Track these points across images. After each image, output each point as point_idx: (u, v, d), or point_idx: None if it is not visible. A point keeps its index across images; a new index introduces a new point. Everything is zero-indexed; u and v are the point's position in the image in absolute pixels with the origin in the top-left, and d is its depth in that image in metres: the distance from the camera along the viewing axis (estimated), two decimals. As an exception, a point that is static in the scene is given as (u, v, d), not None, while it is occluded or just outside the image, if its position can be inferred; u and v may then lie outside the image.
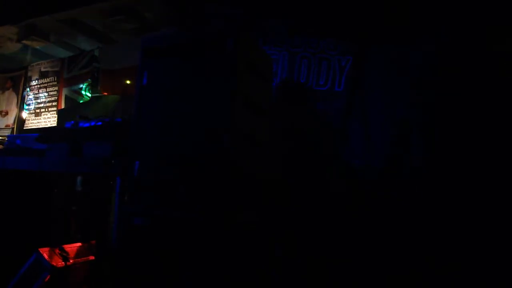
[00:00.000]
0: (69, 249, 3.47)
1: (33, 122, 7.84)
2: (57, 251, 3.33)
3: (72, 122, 3.24)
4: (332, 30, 5.58)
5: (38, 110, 7.88)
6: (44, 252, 3.24)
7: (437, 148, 4.64)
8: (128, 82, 7.30)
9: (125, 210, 2.75)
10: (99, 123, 3.08)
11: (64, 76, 7.67)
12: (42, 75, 7.98)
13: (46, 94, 7.85)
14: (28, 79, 8.18)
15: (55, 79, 7.76)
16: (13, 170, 3.54)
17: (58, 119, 7.52)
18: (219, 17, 6.02)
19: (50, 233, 3.69)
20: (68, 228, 3.92)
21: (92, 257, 3.58)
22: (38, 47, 7.63)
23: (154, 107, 2.75)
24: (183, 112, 2.69)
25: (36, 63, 8.02)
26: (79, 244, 3.60)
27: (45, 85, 7.90)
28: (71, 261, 3.36)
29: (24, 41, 7.40)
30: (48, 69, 7.90)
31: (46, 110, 7.77)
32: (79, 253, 3.55)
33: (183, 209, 2.57)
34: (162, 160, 2.66)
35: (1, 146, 5.40)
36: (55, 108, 7.68)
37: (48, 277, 3.11)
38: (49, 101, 7.78)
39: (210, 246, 2.54)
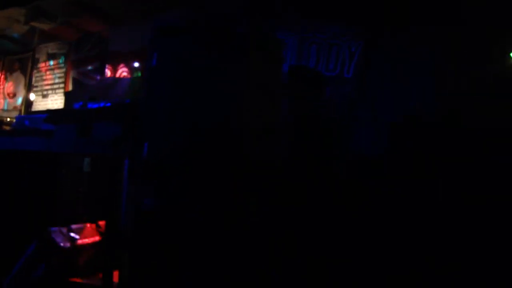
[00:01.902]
0: (76, 229, 3.48)
1: (40, 104, 7.84)
2: (65, 231, 3.33)
3: (81, 103, 3.22)
4: (343, 15, 5.50)
5: (45, 92, 7.87)
6: (52, 232, 3.25)
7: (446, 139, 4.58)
8: (136, 64, 7.27)
9: (133, 192, 2.74)
10: (108, 104, 3.07)
11: (71, 58, 7.63)
12: (50, 56, 7.95)
13: (53, 76, 7.83)
14: (35, 61, 8.15)
15: (63, 61, 7.73)
16: (21, 151, 3.54)
17: (65, 101, 7.50)
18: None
19: (58, 213, 3.69)
20: (76, 208, 3.92)
21: (99, 238, 3.59)
22: (46, 28, 7.59)
23: (164, 88, 2.74)
24: (194, 93, 2.67)
25: (43, 44, 7.98)
26: (86, 224, 3.61)
27: (53, 67, 7.88)
28: (78, 241, 3.36)
29: (32, 23, 7.37)
30: (56, 51, 7.88)
31: (54, 92, 7.76)
32: (87, 233, 3.55)
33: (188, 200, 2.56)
34: (171, 143, 2.65)
35: (8, 127, 5.42)
36: (62, 90, 7.67)
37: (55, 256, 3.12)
38: (56, 83, 7.77)
39: (211, 240, 2.53)
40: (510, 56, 4.85)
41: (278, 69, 3.08)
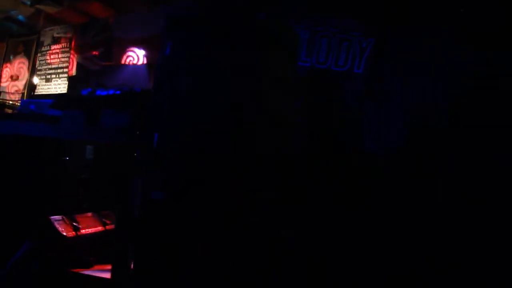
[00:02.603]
0: (80, 219, 3.41)
1: (43, 88, 7.75)
2: (68, 220, 3.26)
3: (89, 89, 3.14)
4: (355, 10, 5.42)
5: (49, 76, 7.78)
6: (55, 221, 3.18)
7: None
8: (141, 52, 7.19)
9: (142, 183, 2.67)
10: (118, 92, 2.99)
11: (76, 42, 7.53)
12: (55, 40, 7.85)
13: (57, 60, 7.74)
14: (40, 44, 8.05)
15: (67, 46, 7.64)
16: (24, 135, 3.46)
17: (69, 86, 7.43)
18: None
19: (59, 201, 3.61)
20: (79, 197, 3.84)
21: (102, 228, 3.52)
22: (51, 12, 7.49)
23: (176, 79, 2.65)
24: (208, 85, 2.59)
25: (49, 28, 7.88)
26: (89, 214, 3.54)
27: (57, 51, 7.78)
28: (82, 231, 3.29)
29: (37, 6, 7.27)
30: (61, 35, 7.77)
31: (57, 76, 7.67)
32: (90, 223, 3.48)
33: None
34: (182, 135, 2.58)
35: (11, 110, 5.33)
36: (66, 75, 7.58)
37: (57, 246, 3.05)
38: (60, 67, 7.67)
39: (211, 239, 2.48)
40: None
41: (294, 63, 3.01)
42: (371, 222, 3.75)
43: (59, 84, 7.60)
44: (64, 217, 3.29)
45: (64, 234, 3.16)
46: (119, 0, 6.99)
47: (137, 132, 2.74)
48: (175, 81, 2.65)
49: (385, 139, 4.88)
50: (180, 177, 2.48)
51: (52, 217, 3.24)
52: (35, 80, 7.72)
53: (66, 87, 7.42)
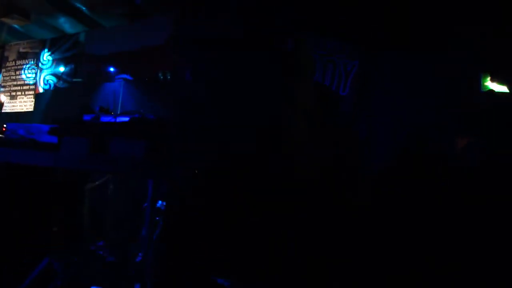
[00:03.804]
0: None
1: (7, 106, 7.35)
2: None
3: (93, 115, 2.94)
4: (340, 32, 5.44)
5: (14, 93, 7.38)
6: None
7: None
8: (112, 69, 6.96)
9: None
10: (127, 118, 2.81)
11: (44, 58, 7.20)
12: (21, 56, 7.48)
13: (23, 76, 7.36)
14: (4, 59, 7.64)
15: (34, 61, 7.29)
16: (13, 164, 3.21)
17: (35, 103, 7.09)
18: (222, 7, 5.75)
19: (56, 234, 3.37)
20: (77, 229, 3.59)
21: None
22: (17, 25, 7.15)
23: (198, 104, 2.52)
24: (231, 111, 2.47)
25: (14, 43, 7.50)
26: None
27: (23, 66, 7.40)
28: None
29: (2, 19, 6.92)
30: (28, 50, 7.42)
31: (23, 93, 7.30)
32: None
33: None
34: (206, 163, 2.44)
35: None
36: (32, 92, 7.22)
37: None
38: (26, 84, 7.30)
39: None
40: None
41: (311, 86, 2.94)
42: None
43: (25, 101, 7.23)
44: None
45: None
46: (91, 16, 6.73)
47: (152, 161, 2.58)
48: (196, 107, 2.52)
49: (374, 159, 4.88)
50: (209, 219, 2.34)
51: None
52: (3, 98, 7.33)
53: (33, 105, 7.06)
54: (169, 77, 6.56)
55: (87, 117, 3.06)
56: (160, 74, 6.55)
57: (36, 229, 3.20)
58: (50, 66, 7.11)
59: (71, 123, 2.99)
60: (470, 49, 5.06)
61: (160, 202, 3.03)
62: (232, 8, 2.96)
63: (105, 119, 2.98)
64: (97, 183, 3.52)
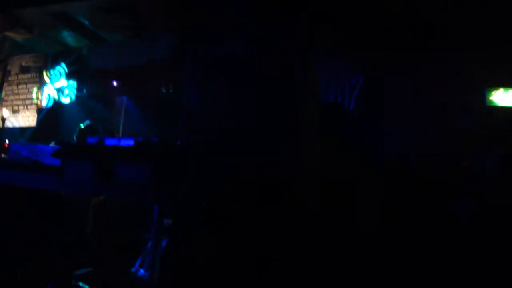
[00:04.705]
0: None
1: (10, 120, 7.31)
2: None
3: (97, 138, 2.91)
4: (344, 47, 5.42)
5: (16, 107, 7.35)
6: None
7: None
8: (115, 83, 6.94)
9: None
10: (131, 142, 2.77)
11: (47, 72, 7.17)
12: (23, 70, 7.45)
13: (26, 90, 7.33)
14: (6, 73, 7.61)
15: (37, 75, 7.26)
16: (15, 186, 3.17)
17: (38, 118, 7.06)
18: (223, 21, 5.72)
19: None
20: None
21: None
22: (20, 39, 7.13)
23: (206, 127, 2.48)
24: (240, 135, 2.44)
25: (17, 56, 7.47)
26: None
27: (26, 80, 7.38)
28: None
29: (5, 32, 6.90)
30: (30, 64, 7.39)
31: (25, 107, 7.27)
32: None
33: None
34: (214, 188, 2.41)
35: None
36: (35, 107, 7.19)
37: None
38: (28, 98, 7.27)
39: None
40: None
41: (318, 105, 2.91)
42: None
43: (27, 116, 7.20)
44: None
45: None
46: (94, 31, 6.71)
47: (157, 185, 2.54)
48: (204, 130, 2.48)
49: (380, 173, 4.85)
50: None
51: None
52: (5, 113, 7.28)
53: (36, 120, 7.03)
54: (171, 91, 6.54)
55: (91, 140, 3.02)
56: (163, 89, 6.54)
57: (38, 254, 3.16)
58: (53, 80, 7.08)
59: (75, 146, 2.96)
60: (475, 65, 5.06)
61: (165, 220, 2.99)
62: (236, 25, 2.93)
63: (110, 142, 2.94)
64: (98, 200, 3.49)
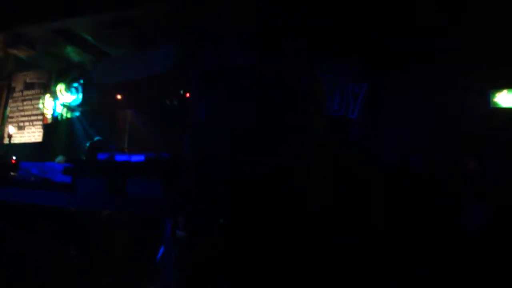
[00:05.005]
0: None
1: (15, 136, 7.35)
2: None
3: (107, 154, 2.93)
4: (347, 55, 5.44)
5: (21, 124, 7.40)
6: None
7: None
8: (119, 96, 6.98)
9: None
10: (142, 157, 2.80)
11: (51, 88, 7.22)
12: (27, 86, 7.50)
13: (31, 106, 7.38)
14: (11, 90, 7.66)
15: (41, 91, 7.31)
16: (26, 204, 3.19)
17: (44, 134, 7.09)
18: (226, 33, 5.77)
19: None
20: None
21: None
22: (23, 56, 7.19)
23: (215, 141, 2.50)
24: (249, 148, 2.45)
25: (21, 73, 7.53)
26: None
27: (30, 97, 7.43)
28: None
29: (9, 50, 6.96)
30: (34, 80, 7.44)
31: (31, 123, 7.31)
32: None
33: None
34: (224, 202, 2.42)
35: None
36: (40, 122, 7.23)
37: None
38: (34, 114, 7.32)
39: None
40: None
41: (323, 113, 2.93)
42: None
43: (33, 132, 7.24)
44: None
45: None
46: (97, 46, 6.76)
47: (169, 200, 2.56)
48: (212, 145, 2.50)
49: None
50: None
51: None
52: (11, 129, 7.31)
53: (41, 136, 7.07)
54: (175, 103, 6.57)
55: (101, 156, 3.04)
56: (167, 101, 6.57)
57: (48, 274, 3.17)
58: (58, 96, 7.12)
59: (86, 163, 2.99)
60: (479, 67, 5.08)
61: (178, 232, 3.00)
62: (242, 39, 2.96)
63: (120, 158, 2.97)
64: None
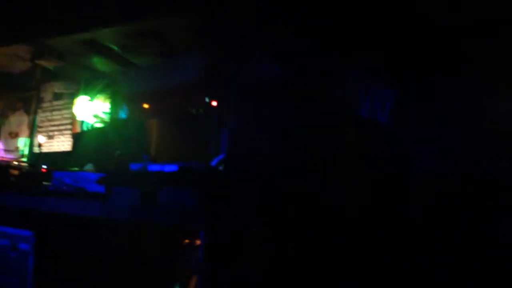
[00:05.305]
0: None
1: (45, 146, 7.47)
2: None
3: (140, 164, 2.94)
4: (376, 62, 5.37)
5: (51, 133, 7.51)
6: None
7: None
8: (146, 105, 7.02)
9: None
10: (175, 167, 2.79)
11: (79, 98, 7.32)
12: (56, 96, 7.63)
13: (60, 116, 7.49)
14: (40, 100, 7.80)
15: (70, 101, 7.41)
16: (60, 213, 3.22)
17: (73, 143, 7.18)
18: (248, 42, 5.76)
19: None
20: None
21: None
22: (51, 67, 7.30)
23: (251, 152, 2.49)
24: (283, 159, 2.43)
25: (49, 83, 7.66)
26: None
27: (59, 107, 7.54)
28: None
29: (37, 61, 7.07)
30: (63, 90, 7.57)
31: (60, 133, 7.42)
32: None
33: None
34: (261, 214, 2.40)
35: (16, 171, 5.02)
36: (69, 132, 7.34)
37: None
38: (63, 124, 7.43)
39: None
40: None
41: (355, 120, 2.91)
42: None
43: (62, 141, 7.35)
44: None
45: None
46: (124, 56, 6.82)
47: (203, 212, 2.54)
48: (250, 155, 2.48)
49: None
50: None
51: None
52: (41, 139, 7.45)
53: (71, 145, 7.16)
54: (201, 112, 6.59)
55: (134, 166, 3.06)
56: (193, 110, 6.59)
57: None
58: (86, 106, 7.21)
59: (119, 173, 3.01)
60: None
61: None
62: (273, 51, 2.95)
63: (153, 168, 2.97)
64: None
